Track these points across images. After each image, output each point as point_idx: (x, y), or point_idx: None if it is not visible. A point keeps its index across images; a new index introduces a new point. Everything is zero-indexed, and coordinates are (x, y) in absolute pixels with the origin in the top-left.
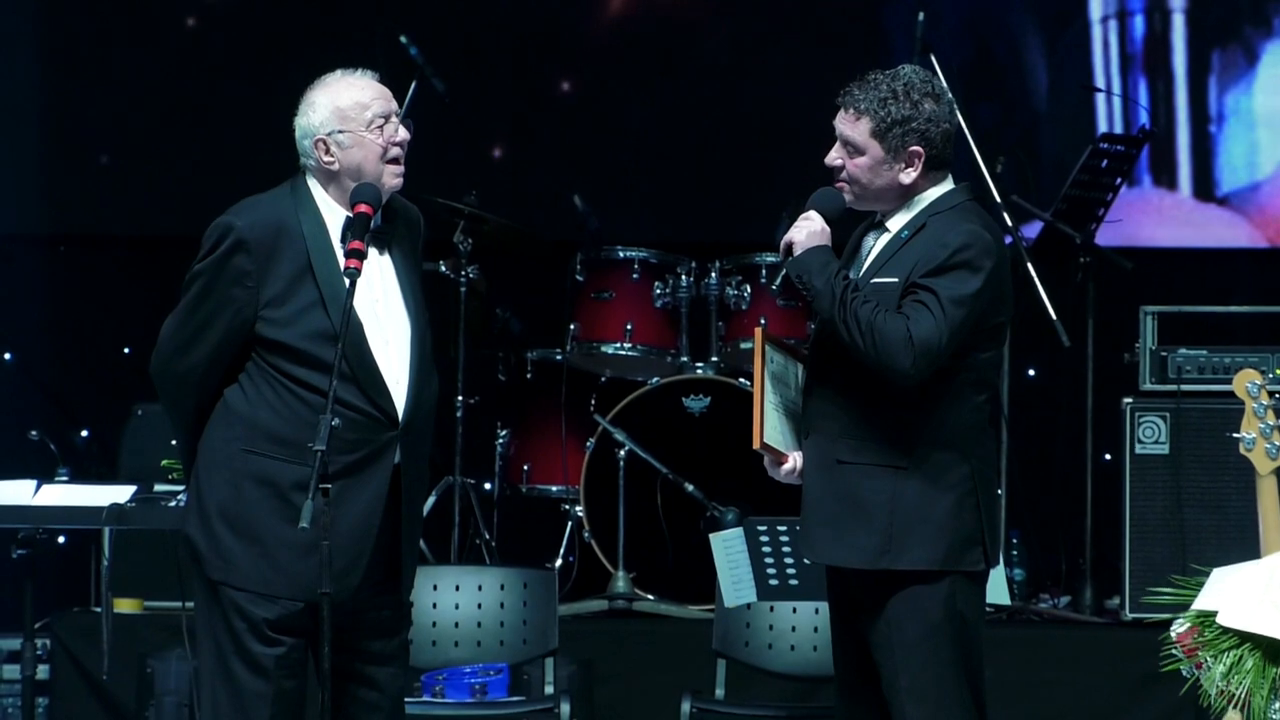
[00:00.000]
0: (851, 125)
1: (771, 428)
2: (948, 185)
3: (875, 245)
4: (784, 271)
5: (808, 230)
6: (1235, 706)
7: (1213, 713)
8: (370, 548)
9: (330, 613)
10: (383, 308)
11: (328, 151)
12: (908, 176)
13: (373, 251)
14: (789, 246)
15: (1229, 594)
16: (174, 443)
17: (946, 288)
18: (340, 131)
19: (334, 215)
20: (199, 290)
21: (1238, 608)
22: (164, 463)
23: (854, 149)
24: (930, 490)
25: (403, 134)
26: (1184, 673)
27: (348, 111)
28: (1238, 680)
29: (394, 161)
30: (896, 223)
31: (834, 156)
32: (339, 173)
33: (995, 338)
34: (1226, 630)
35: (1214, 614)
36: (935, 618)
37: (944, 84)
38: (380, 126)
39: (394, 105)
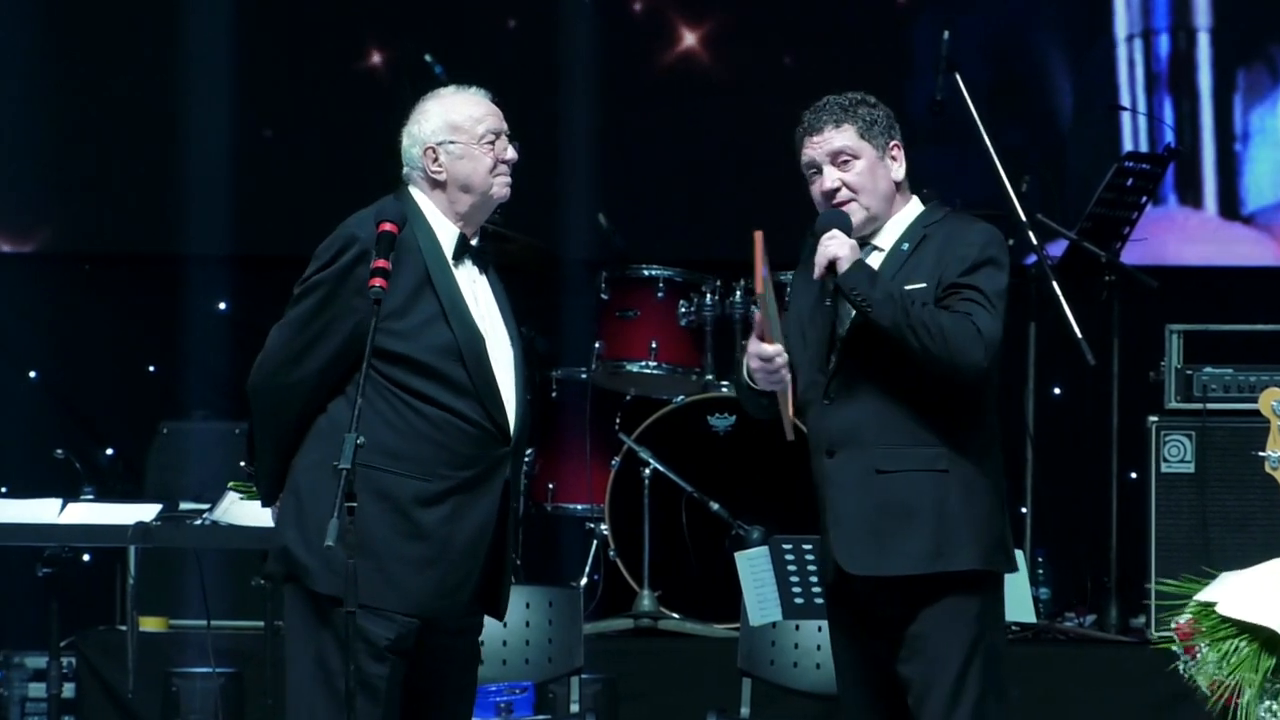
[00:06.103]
0: (838, 136)
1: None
2: (916, 199)
3: (874, 262)
4: (829, 287)
5: (841, 243)
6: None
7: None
8: (480, 565)
9: (351, 628)
10: (489, 325)
11: (436, 160)
12: (898, 173)
13: (474, 270)
14: (833, 263)
15: (1232, 589)
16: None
17: (986, 283)
18: (451, 142)
19: (442, 226)
20: (318, 300)
21: (1238, 600)
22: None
23: (849, 156)
24: (970, 493)
25: (512, 153)
26: (1180, 669)
27: (460, 123)
28: (1230, 668)
29: (501, 174)
30: (888, 239)
31: (831, 178)
32: (446, 182)
33: None
34: (1225, 620)
35: (1214, 604)
36: (975, 628)
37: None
38: (491, 142)
39: (505, 124)
